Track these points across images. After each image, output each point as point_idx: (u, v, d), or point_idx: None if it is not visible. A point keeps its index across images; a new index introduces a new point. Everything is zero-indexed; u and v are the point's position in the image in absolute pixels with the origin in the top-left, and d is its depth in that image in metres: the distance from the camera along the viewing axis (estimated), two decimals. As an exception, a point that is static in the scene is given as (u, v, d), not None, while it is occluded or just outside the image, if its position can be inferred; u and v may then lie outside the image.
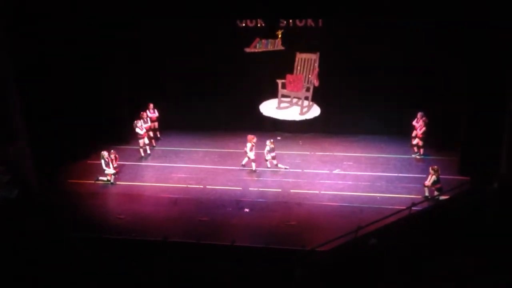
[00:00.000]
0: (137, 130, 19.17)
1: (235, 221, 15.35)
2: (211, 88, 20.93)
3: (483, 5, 15.12)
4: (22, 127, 16.57)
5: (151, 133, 20.34)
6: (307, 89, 20.89)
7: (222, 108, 21.29)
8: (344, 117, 20.56)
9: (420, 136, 18.43)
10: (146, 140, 19.60)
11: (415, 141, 18.67)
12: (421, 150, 18.62)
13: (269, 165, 18.39)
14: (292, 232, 14.54)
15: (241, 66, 20.56)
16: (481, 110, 16.16)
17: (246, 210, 15.90)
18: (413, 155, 18.70)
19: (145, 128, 19.45)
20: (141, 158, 19.61)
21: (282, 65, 20.57)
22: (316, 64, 20.32)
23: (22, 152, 16.61)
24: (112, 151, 18.02)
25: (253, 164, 18.31)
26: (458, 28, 16.58)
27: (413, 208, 13.27)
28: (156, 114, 20.51)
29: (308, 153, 19.70)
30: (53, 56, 17.61)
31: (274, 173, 18.13)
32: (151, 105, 20.38)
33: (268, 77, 20.82)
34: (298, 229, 14.66)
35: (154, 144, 20.65)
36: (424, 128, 18.31)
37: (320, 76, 20.46)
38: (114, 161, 17.89)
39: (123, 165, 18.78)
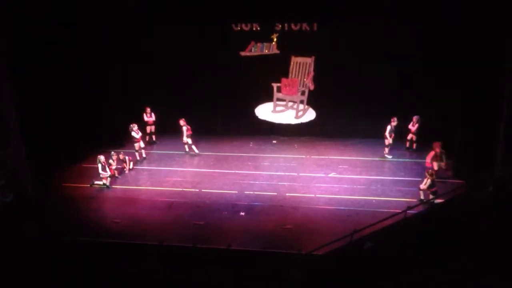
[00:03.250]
0: (133, 133, 19.16)
1: (231, 225, 15.34)
2: (206, 91, 20.97)
3: (477, 8, 15.21)
4: (17, 130, 16.53)
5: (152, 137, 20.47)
6: (303, 93, 20.96)
7: (218, 112, 21.33)
8: (340, 120, 20.63)
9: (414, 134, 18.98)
10: (142, 144, 19.60)
11: (409, 137, 19.22)
12: (414, 145, 19.22)
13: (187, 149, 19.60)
14: (288, 235, 14.55)
15: (237, 69, 20.61)
16: (476, 114, 16.23)
17: (242, 213, 15.90)
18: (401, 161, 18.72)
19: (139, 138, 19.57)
20: (136, 162, 19.60)
21: (277, 68, 20.64)
22: (311, 68, 20.39)
23: (17, 156, 16.57)
24: (121, 152, 18.60)
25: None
26: (454, 31, 16.68)
27: (408, 211, 13.30)
28: (153, 118, 20.54)
29: (304, 156, 19.74)
30: (49, 59, 17.62)
31: (270, 176, 18.15)
32: (148, 109, 20.41)
33: (264, 81, 20.89)
34: (294, 233, 14.67)
35: (154, 139, 21.29)
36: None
37: (315, 79, 20.52)
38: (117, 162, 18.31)
39: (117, 168, 18.75)
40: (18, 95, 16.40)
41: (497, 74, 15.06)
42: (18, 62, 16.40)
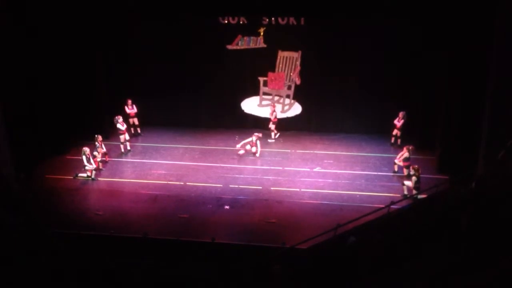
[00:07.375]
0: (118, 125, 19.03)
1: (215, 218, 15.34)
2: (192, 84, 20.87)
3: (464, 6, 15.31)
4: (-1, 121, 16.35)
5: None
6: (289, 87, 20.96)
7: (203, 105, 21.26)
8: (325, 115, 20.69)
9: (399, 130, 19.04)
10: (127, 136, 19.48)
11: (394, 132, 19.19)
12: (399, 141, 19.09)
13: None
14: (272, 229, 14.59)
15: (223, 63, 20.53)
16: (460, 111, 16.38)
17: (227, 207, 15.90)
18: (395, 170, 17.83)
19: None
20: (121, 154, 19.47)
21: (264, 62, 20.60)
22: (298, 62, 20.39)
23: (-1, 146, 16.38)
24: (98, 136, 18.27)
25: None
26: (439, 30, 16.78)
27: (391, 206, 13.40)
28: (135, 109, 20.39)
29: (289, 151, 19.76)
30: (32, 50, 17.40)
31: (255, 170, 18.16)
32: (129, 101, 20.25)
33: (250, 75, 20.85)
34: (278, 227, 14.71)
35: (139, 131, 21.03)
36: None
37: (302, 74, 20.54)
38: (100, 148, 18.16)
39: (102, 160, 18.63)
40: (0, 86, 16.18)
41: (481, 72, 15.18)
42: (0, 53, 16.19)
